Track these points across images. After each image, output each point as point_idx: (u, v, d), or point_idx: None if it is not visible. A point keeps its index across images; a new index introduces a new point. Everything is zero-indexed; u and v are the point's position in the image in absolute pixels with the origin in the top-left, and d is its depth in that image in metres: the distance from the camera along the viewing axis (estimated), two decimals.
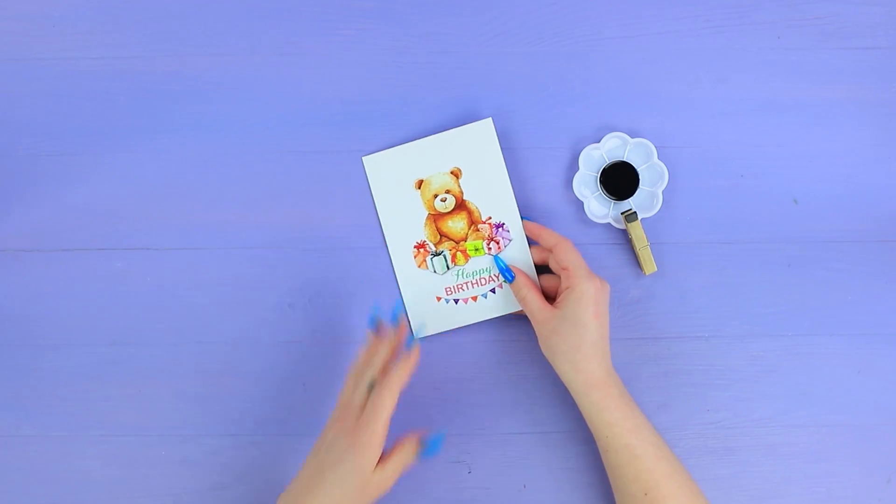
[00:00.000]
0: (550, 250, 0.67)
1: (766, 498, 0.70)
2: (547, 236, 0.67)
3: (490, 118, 0.70)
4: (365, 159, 0.71)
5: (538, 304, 0.66)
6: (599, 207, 0.71)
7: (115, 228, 0.72)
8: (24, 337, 0.71)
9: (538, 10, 0.73)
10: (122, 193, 0.72)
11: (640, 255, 0.70)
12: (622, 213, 0.70)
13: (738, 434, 0.70)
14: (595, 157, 0.71)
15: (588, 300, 0.63)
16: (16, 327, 0.72)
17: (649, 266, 0.70)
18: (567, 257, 0.65)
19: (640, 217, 0.70)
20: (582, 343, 0.63)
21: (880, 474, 0.70)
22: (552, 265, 0.68)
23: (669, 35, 0.73)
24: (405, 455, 0.61)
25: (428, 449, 0.61)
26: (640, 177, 0.71)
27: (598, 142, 0.71)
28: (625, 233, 0.71)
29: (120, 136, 0.73)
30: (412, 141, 0.71)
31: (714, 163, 0.72)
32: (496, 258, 0.70)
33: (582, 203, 0.71)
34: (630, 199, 0.71)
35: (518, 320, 0.71)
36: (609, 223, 0.71)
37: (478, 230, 0.71)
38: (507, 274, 0.69)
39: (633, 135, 0.71)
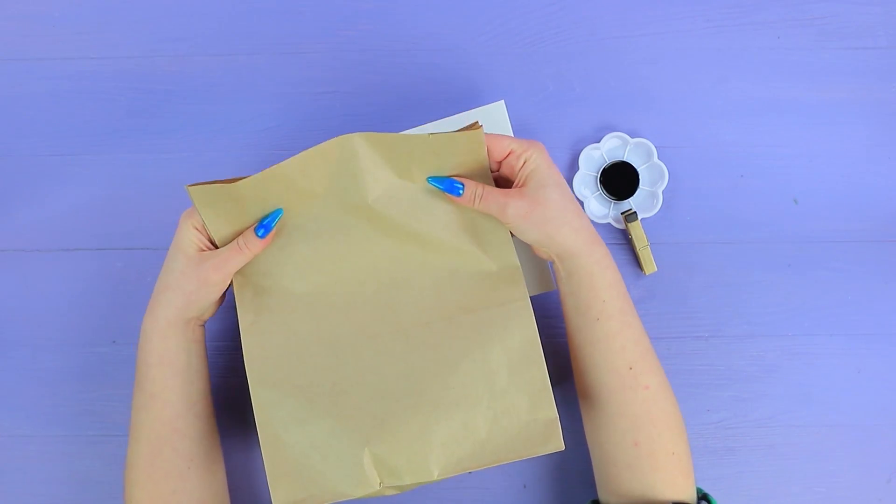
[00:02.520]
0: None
1: (766, 498, 0.70)
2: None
3: (503, 101, 0.70)
4: None
5: (498, 192, 0.59)
6: (599, 207, 0.71)
7: (115, 228, 0.72)
8: (24, 337, 0.72)
9: (538, 10, 0.73)
10: (122, 193, 0.72)
11: (640, 255, 0.70)
12: (622, 213, 0.70)
13: (738, 434, 0.70)
14: (595, 157, 0.71)
15: (543, 160, 0.58)
16: (16, 327, 0.72)
17: (649, 266, 0.70)
18: (503, 143, 0.59)
19: (640, 217, 0.70)
20: (564, 201, 0.58)
21: (880, 474, 0.70)
22: (494, 165, 0.61)
23: (669, 35, 0.73)
24: (243, 238, 0.59)
25: (262, 228, 0.59)
26: (640, 177, 0.71)
27: (598, 142, 0.71)
28: (625, 233, 0.71)
29: (120, 136, 0.73)
30: (426, 123, 0.71)
31: (714, 163, 0.72)
32: (430, 180, 0.60)
33: (582, 203, 0.71)
34: (630, 199, 0.71)
35: None
36: (609, 223, 0.71)
37: None
38: (454, 187, 0.59)
39: (633, 135, 0.71)
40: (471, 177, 0.61)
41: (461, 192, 0.59)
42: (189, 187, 0.57)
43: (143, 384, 0.60)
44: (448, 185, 0.59)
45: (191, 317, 0.60)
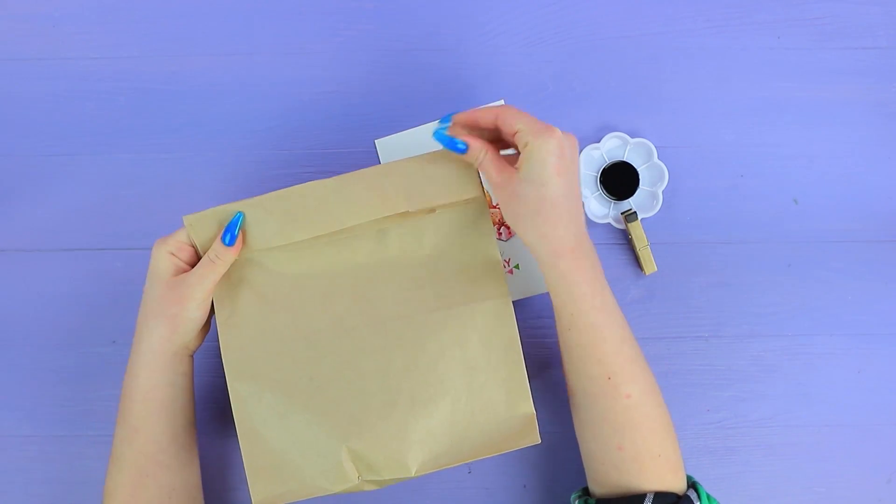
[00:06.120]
0: (496, 128, 0.57)
1: (766, 498, 0.70)
2: (484, 116, 0.57)
3: (503, 101, 0.70)
4: (378, 142, 0.71)
5: (496, 166, 0.57)
6: (599, 207, 0.71)
7: (115, 228, 0.72)
8: (24, 337, 0.72)
9: (538, 10, 0.73)
10: (122, 193, 0.72)
11: (640, 255, 0.70)
12: (622, 213, 0.70)
13: (738, 434, 0.70)
14: (595, 157, 0.71)
15: (547, 154, 0.54)
16: (16, 327, 0.72)
17: (649, 266, 0.70)
18: (514, 120, 0.55)
19: (640, 217, 0.70)
20: (543, 204, 0.55)
21: (880, 474, 0.70)
22: (508, 140, 0.58)
23: (669, 35, 0.73)
24: (213, 251, 0.59)
25: (227, 234, 0.59)
26: (640, 177, 0.71)
27: (598, 142, 0.71)
28: (625, 233, 0.71)
29: (120, 136, 0.73)
30: (426, 123, 0.71)
31: (714, 163, 0.72)
32: (436, 133, 0.58)
33: (582, 203, 0.71)
34: (630, 199, 0.71)
35: (519, 311, 0.71)
36: (609, 223, 0.71)
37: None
38: (457, 144, 0.57)
39: (633, 135, 0.71)
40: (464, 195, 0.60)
41: (465, 150, 0.57)
42: (186, 217, 0.59)
43: (126, 417, 0.60)
44: (450, 143, 0.58)
45: (178, 347, 0.59)
